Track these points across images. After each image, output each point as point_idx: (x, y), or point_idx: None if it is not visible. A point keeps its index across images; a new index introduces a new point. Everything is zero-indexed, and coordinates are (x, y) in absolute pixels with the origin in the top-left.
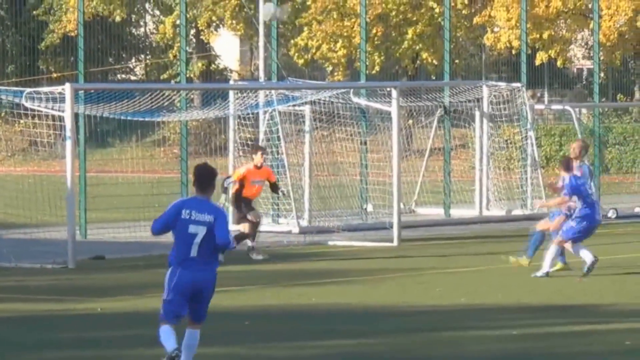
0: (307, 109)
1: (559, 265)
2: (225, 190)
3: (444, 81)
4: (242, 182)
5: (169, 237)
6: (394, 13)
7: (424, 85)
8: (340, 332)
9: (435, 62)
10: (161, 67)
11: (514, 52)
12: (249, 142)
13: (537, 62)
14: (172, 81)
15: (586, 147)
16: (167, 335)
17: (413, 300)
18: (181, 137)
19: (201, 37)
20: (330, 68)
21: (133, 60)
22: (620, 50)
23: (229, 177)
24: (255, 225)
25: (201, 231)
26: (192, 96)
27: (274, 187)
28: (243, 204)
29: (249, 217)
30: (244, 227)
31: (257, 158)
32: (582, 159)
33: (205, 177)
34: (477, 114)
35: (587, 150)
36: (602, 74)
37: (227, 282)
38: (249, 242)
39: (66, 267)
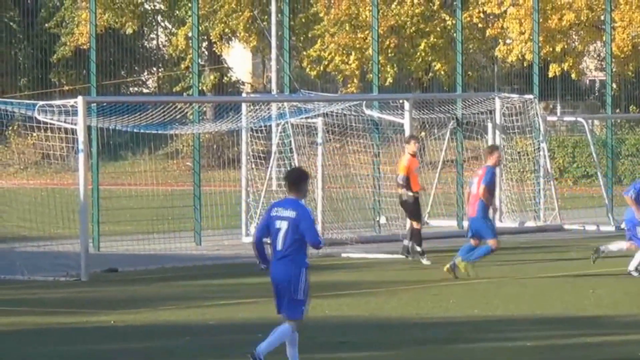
0: (319, 121)
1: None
2: (403, 186)
3: (457, 93)
4: (407, 175)
5: (181, 250)
6: (407, 24)
7: (436, 97)
8: (353, 344)
9: (447, 73)
10: (173, 80)
11: (526, 64)
12: (261, 155)
13: (550, 75)
14: (185, 94)
15: None
16: (271, 333)
17: (426, 312)
18: (194, 149)
19: (214, 49)
20: (343, 80)
21: (145, 73)
22: (633, 62)
23: (398, 175)
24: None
25: (284, 226)
26: (204, 109)
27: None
28: (417, 205)
29: (416, 224)
30: (417, 225)
31: (411, 147)
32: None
33: (293, 179)
34: (490, 125)
35: None
36: (614, 86)
37: (240, 294)
38: (417, 248)
39: (79, 279)
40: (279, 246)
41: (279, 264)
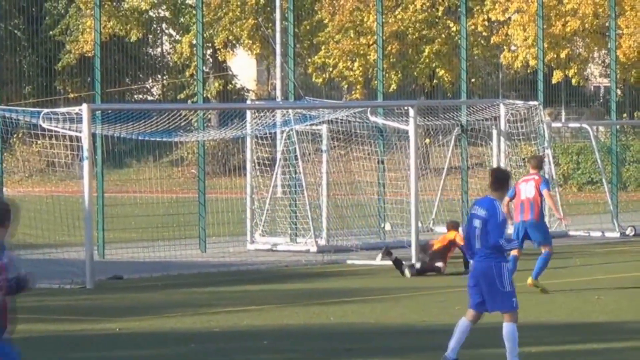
0: (324, 128)
1: None
2: None
3: (461, 100)
4: None
5: (186, 257)
6: (410, 30)
7: (441, 104)
8: (358, 351)
9: (452, 80)
10: (178, 87)
11: (530, 70)
12: (266, 162)
13: (554, 81)
14: (189, 101)
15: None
16: (454, 332)
17: (432, 319)
18: (198, 157)
19: (218, 56)
20: (348, 87)
21: (150, 80)
22: (636, 68)
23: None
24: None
25: (478, 224)
26: (209, 116)
27: None
28: None
29: None
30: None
31: None
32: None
33: (500, 179)
34: (495, 132)
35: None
36: (619, 92)
37: (245, 302)
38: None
39: (84, 287)
40: (477, 244)
41: (479, 262)
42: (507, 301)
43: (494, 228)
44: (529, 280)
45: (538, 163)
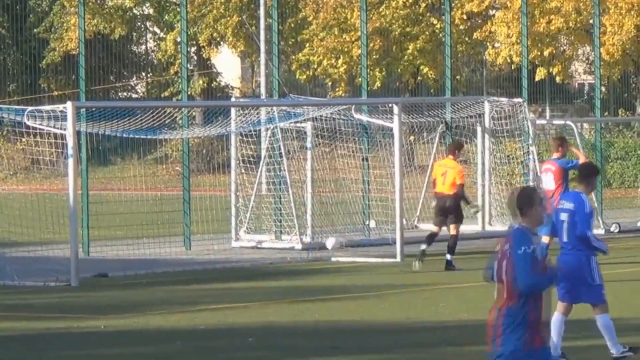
0: (308, 126)
1: None
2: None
3: (446, 97)
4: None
5: (170, 255)
6: (394, 26)
7: (425, 101)
8: (343, 348)
9: (436, 77)
10: (162, 85)
11: (514, 67)
12: (251, 159)
13: (537, 78)
14: (174, 99)
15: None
16: (553, 327)
17: (416, 316)
18: (183, 154)
19: (202, 54)
20: (332, 84)
21: (134, 78)
22: (620, 66)
23: (462, 184)
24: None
25: (565, 217)
26: (193, 113)
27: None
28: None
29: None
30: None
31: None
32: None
33: (584, 173)
34: (479, 129)
35: None
36: (603, 89)
37: (230, 299)
38: (422, 246)
39: (69, 284)
40: (565, 238)
41: (567, 256)
42: (597, 294)
43: (581, 219)
44: None
45: (556, 146)
